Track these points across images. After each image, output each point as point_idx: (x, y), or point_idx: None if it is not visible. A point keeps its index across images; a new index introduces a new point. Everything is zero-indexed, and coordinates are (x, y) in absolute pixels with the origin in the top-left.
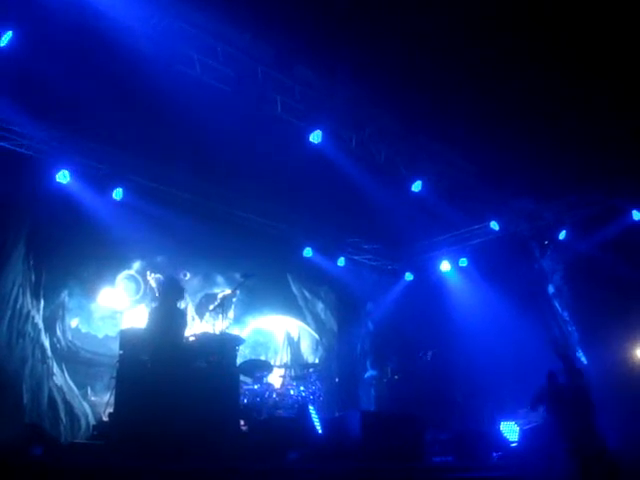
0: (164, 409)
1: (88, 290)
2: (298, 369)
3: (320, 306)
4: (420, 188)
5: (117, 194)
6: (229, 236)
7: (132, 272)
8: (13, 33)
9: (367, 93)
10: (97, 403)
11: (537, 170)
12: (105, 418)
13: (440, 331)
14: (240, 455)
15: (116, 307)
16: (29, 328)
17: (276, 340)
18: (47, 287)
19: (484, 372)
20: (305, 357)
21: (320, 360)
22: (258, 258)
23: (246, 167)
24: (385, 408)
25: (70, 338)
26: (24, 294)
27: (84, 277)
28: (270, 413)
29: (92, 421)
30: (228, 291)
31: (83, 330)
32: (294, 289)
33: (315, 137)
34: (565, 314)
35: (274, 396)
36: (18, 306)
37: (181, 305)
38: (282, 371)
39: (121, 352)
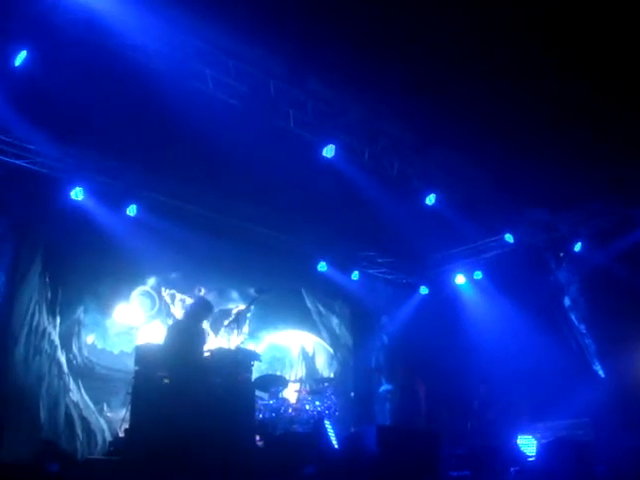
0: (179, 425)
1: (103, 306)
2: (313, 384)
3: (335, 320)
4: (434, 201)
5: (131, 210)
6: (243, 251)
7: (147, 288)
8: (27, 52)
9: (380, 106)
10: (113, 419)
11: (552, 181)
12: (121, 434)
13: (456, 344)
14: (256, 471)
15: (131, 323)
16: (46, 345)
17: (291, 355)
18: (63, 304)
19: (500, 385)
20: (320, 372)
21: (335, 375)
22: (272, 273)
23: (259, 182)
24: (401, 422)
25: (86, 354)
26: (40, 311)
27: (99, 293)
28: (286, 428)
29: (108, 437)
30: (242, 306)
31: (99, 346)
32: (308, 303)
33: (328, 151)
34: (582, 327)
35: (290, 411)
36: (35, 323)
37: (205, 324)
38: (297, 386)
39: (136, 368)
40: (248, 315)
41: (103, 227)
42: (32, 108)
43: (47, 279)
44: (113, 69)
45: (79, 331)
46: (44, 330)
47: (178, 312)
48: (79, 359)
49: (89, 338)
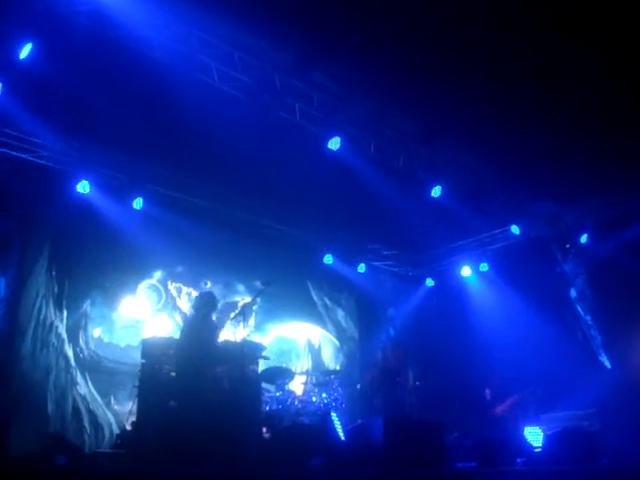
0: (186, 418)
1: (110, 300)
2: (320, 376)
3: (341, 313)
4: (440, 193)
5: (137, 203)
6: (249, 244)
7: (153, 281)
8: (32, 45)
9: (386, 98)
10: (120, 412)
11: (558, 173)
12: (128, 427)
13: (462, 336)
14: (263, 462)
15: (138, 316)
16: (53, 338)
17: (298, 347)
18: (70, 297)
19: (507, 377)
20: (326, 364)
21: (341, 367)
22: (278, 266)
23: (265, 175)
24: (407, 414)
25: (93, 348)
26: (47, 305)
27: (106, 287)
28: (293, 420)
29: (116, 430)
30: (248, 299)
31: (105, 340)
32: (314, 296)
33: (334, 144)
34: (588, 318)
35: (296, 403)
36: (42, 317)
37: (214, 317)
38: (304, 378)
39: (143, 361)
40: (254, 308)
41: (109, 221)
42: (37, 101)
43: (54, 273)
44: (118, 62)
45: (86, 325)
46: (51, 324)
47: (184, 305)
48: (86, 352)
49: (96, 331)
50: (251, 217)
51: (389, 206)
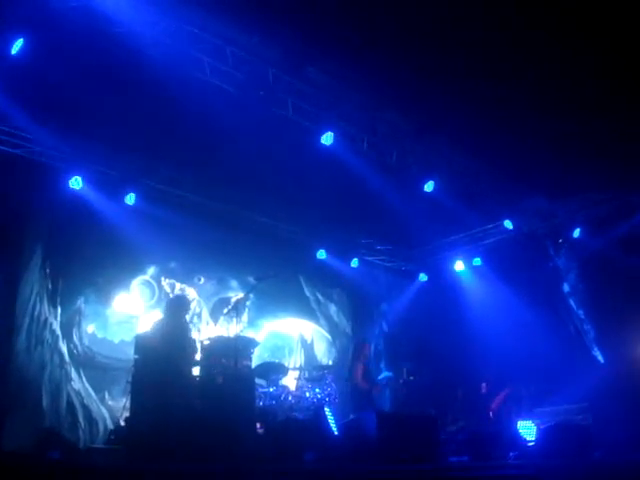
0: (179, 413)
1: (104, 296)
2: (313, 371)
3: (333, 308)
4: (432, 188)
5: (130, 199)
6: (242, 240)
7: (147, 277)
8: (24, 40)
9: (379, 93)
10: (114, 407)
11: (550, 168)
12: (122, 422)
13: (455, 330)
14: (256, 457)
15: (131, 312)
16: (47, 334)
17: (292, 343)
18: (64, 294)
19: (499, 371)
20: (319, 359)
21: (334, 362)
22: (271, 261)
23: (257, 170)
24: (401, 409)
25: (87, 343)
26: (42, 301)
27: (99, 283)
28: (286, 415)
29: (110, 425)
30: (241, 295)
31: (99, 335)
32: (307, 292)
33: (327, 139)
34: (581, 312)
35: (290, 398)
36: (36, 313)
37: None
38: (297, 373)
39: (136, 357)
40: (247, 303)
41: (102, 217)
42: (29, 97)
43: (48, 270)
44: (110, 57)
45: (80, 321)
46: (45, 320)
47: None
48: (80, 348)
49: (89, 328)
50: (244, 213)
51: (382, 201)
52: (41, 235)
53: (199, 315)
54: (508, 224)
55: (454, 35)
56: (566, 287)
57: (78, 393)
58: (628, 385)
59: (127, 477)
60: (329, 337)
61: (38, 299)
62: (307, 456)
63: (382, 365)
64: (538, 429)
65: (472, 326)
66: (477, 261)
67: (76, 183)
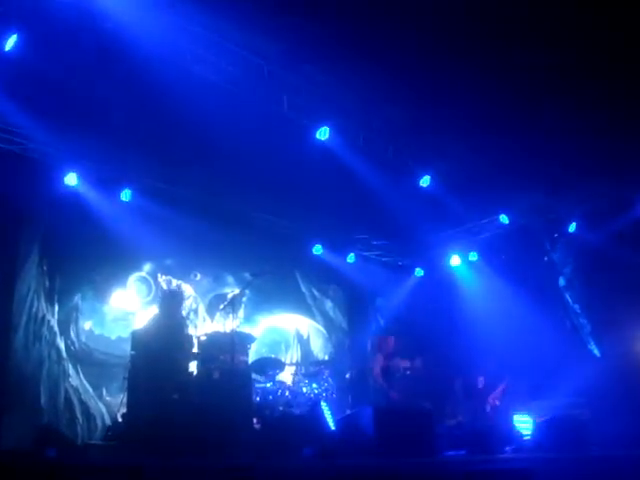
0: (176, 409)
1: (100, 293)
2: (310, 367)
3: (329, 304)
4: (429, 183)
5: (126, 195)
6: (238, 236)
7: (143, 274)
8: (18, 36)
9: (374, 88)
10: (112, 403)
11: (546, 162)
12: (119, 418)
13: (451, 325)
14: (254, 453)
15: (128, 309)
16: (45, 331)
17: (288, 338)
18: (61, 291)
19: (496, 365)
20: (316, 355)
21: (330, 357)
22: (267, 257)
23: (253, 166)
24: (398, 403)
25: (84, 340)
26: (39, 299)
27: (96, 280)
28: (283, 411)
29: (108, 421)
30: (237, 291)
31: (96, 332)
32: (303, 287)
33: (322, 134)
34: (576, 307)
35: (286, 394)
36: (34, 310)
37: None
38: (293, 369)
39: (133, 353)
40: (243, 299)
41: (98, 214)
42: (23, 93)
43: (45, 268)
44: (104, 53)
45: (77, 318)
46: (43, 317)
47: None
48: (77, 345)
49: (86, 324)
50: (240, 208)
51: (378, 196)
52: (37, 232)
53: (195, 311)
54: (504, 218)
55: (449, 28)
56: (562, 281)
57: (76, 389)
58: (624, 379)
59: (125, 473)
60: (325, 332)
61: (35, 296)
62: (304, 451)
63: None
64: (535, 423)
65: (468, 321)
66: (473, 255)
67: (71, 179)
